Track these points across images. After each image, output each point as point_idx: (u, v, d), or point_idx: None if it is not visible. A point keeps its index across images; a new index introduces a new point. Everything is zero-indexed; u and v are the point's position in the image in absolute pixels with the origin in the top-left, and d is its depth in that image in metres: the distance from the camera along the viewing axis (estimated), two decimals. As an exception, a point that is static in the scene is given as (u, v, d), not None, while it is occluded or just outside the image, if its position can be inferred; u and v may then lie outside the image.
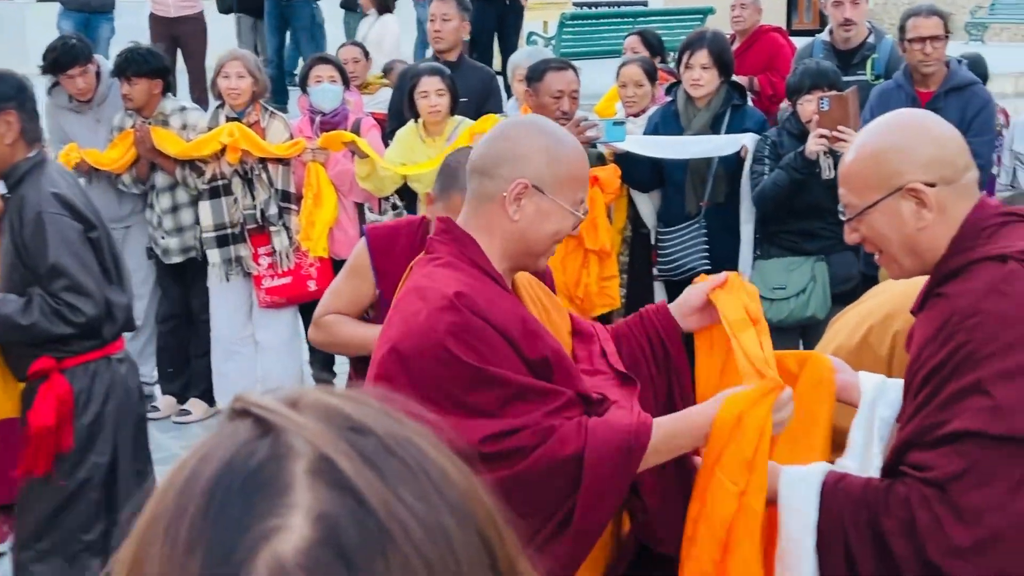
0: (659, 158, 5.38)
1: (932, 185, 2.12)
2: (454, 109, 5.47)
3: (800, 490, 2.14)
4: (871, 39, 5.97)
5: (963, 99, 5.20)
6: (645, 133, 5.48)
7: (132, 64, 5.69)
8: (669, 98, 5.96)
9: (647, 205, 5.64)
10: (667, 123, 5.43)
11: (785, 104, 5.20)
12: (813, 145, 4.66)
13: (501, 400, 2.15)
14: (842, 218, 2.26)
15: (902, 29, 5.27)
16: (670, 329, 2.50)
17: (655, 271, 5.64)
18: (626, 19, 11.91)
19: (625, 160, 5.42)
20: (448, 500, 0.64)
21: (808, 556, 2.10)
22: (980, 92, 5.29)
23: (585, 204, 2.40)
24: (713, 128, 5.36)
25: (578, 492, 2.14)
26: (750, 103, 5.69)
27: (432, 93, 5.33)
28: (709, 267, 5.39)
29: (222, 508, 0.62)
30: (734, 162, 5.31)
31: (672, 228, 5.53)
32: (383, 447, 0.65)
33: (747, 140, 5.22)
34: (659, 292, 5.75)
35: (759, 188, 5.08)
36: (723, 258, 5.17)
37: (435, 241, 2.36)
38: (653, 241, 5.62)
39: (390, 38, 9.04)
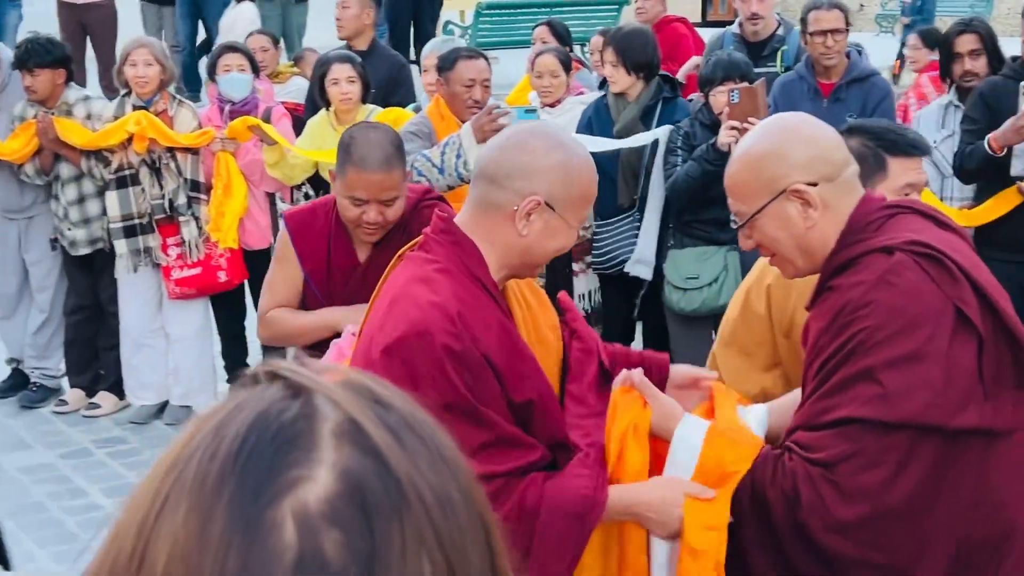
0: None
1: (814, 184, 2.18)
2: (366, 97, 5.46)
3: (690, 438, 2.19)
4: (780, 31, 6.06)
5: (864, 90, 5.30)
6: (580, 127, 5.52)
7: (33, 55, 5.57)
8: (584, 88, 6.00)
9: None
10: (600, 116, 5.47)
11: (697, 95, 5.25)
12: (725, 137, 4.72)
13: (479, 443, 2.10)
14: (734, 226, 2.30)
15: (804, 22, 5.37)
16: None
17: (581, 264, 5.69)
18: (542, 9, 11.91)
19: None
20: (457, 479, 0.68)
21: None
22: (880, 83, 5.40)
23: (588, 219, 2.39)
24: (644, 121, 5.40)
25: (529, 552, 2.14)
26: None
27: (343, 80, 5.32)
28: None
29: (253, 453, 0.65)
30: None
31: (606, 221, 5.56)
32: (404, 421, 0.69)
33: (661, 134, 5.27)
34: (580, 285, 5.79)
35: (672, 179, 5.13)
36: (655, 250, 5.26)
37: (433, 241, 2.29)
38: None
39: (242, 23, 9.04)
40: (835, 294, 2.14)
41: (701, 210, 5.11)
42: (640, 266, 5.41)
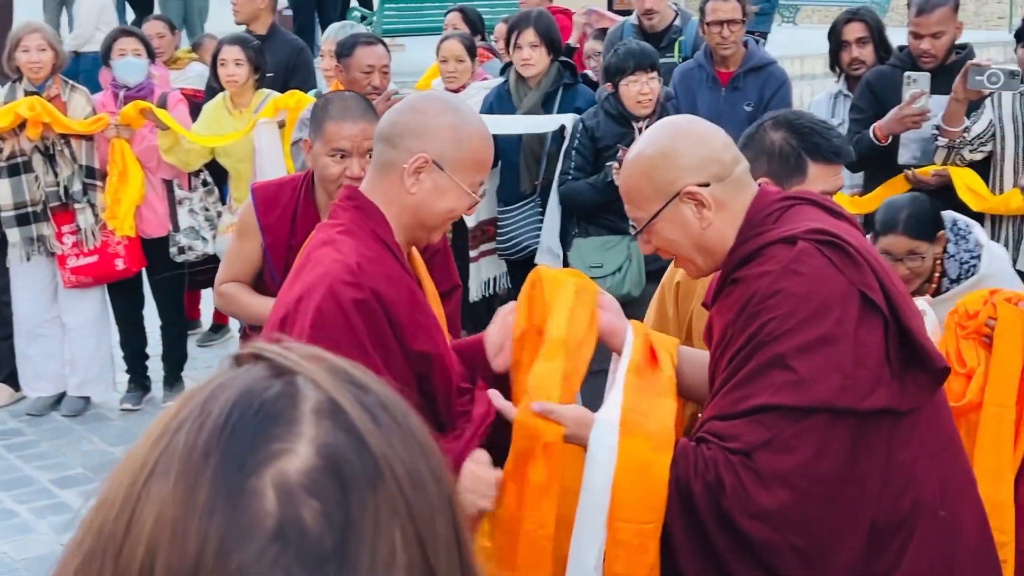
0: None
1: (706, 185, 2.21)
2: (260, 81, 5.43)
3: (605, 439, 2.19)
4: (677, 22, 6.12)
5: (761, 79, 5.38)
6: (480, 113, 5.51)
7: (-80, 44, 5.42)
8: (488, 75, 6.00)
9: None
10: (501, 102, 5.47)
11: (604, 85, 5.27)
12: (614, 171, 4.79)
13: None
14: (632, 232, 2.32)
15: (702, 11, 5.43)
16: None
17: (476, 251, 5.70)
18: (449, -4, 11.87)
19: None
20: (427, 458, 0.72)
21: (602, 508, 2.16)
22: (777, 72, 5.48)
23: (484, 187, 2.43)
24: (545, 107, 5.42)
25: None
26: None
27: (230, 62, 5.31)
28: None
29: (238, 426, 0.69)
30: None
31: (509, 207, 5.58)
32: (380, 403, 0.73)
33: (567, 120, 5.29)
34: (485, 270, 5.81)
35: (566, 187, 5.19)
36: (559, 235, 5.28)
37: (339, 208, 2.38)
38: (471, 224, 5.68)
39: (87, 5, 8.90)
40: (740, 287, 2.17)
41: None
42: (548, 256, 5.45)
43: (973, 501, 2.28)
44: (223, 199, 5.83)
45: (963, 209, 4.71)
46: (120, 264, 5.70)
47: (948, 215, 3.66)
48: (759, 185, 2.63)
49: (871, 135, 4.70)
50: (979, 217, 4.79)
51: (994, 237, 4.76)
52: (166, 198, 5.73)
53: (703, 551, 2.13)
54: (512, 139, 5.47)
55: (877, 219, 3.54)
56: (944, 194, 4.72)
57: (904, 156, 4.75)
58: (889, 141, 4.69)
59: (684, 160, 2.23)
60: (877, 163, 4.81)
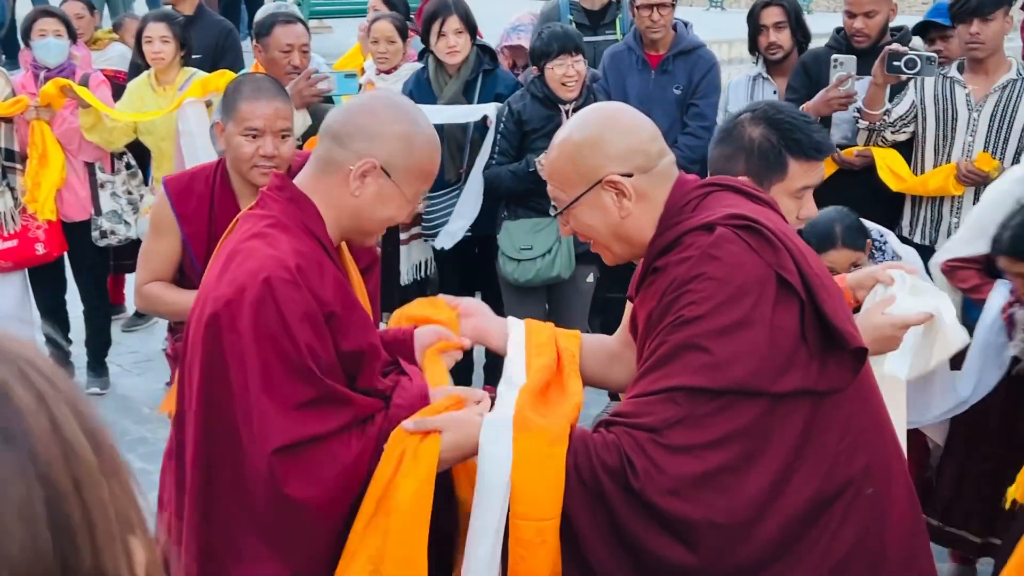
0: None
1: (629, 175, 2.21)
2: (186, 59, 5.36)
3: (500, 437, 2.17)
4: (618, -2, 6.10)
5: (690, 62, 5.40)
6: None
7: None
8: (421, 62, 5.95)
9: None
10: (420, 90, 5.40)
11: (530, 68, 5.24)
12: (537, 164, 4.79)
13: (305, 399, 2.16)
14: (552, 213, 2.32)
15: (632, -6, 5.42)
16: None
17: (406, 234, 5.67)
18: (378, -22, 11.74)
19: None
20: (83, 426, 0.71)
21: (500, 504, 2.14)
22: (706, 55, 5.50)
23: (420, 199, 2.42)
24: (466, 95, 5.37)
25: None
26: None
27: (156, 39, 5.26)
28: (470, 233, 5.46)
29: None
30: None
31: (434, 195, 5.55)
32: (38, 370, 0.72)
33: (490, 110, 5.27)
34: (414, 254, 5.77)
35: (489, 172, 5.17)
36: (483, 222, 5.28)
37: (268, 198, 2.33)
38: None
39: None
40: (661, 275, 2.18)
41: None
42: (446, 238, 5.44)
43: (902, 479, 2.30)
44: (146, 181, 5.73)
45: (884, 189, 4.80)
46: (41, 248, 5.59)
47: (867, 226, 3.72)
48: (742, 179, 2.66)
49: None
50: (900, 198, 4.88)
51: (913, 218, 4.85)
52: (87, 181, 5.63)
53: (613, 538, 2.11)
54: (436, 126, 5.41)
55: (809, 238, 3.55)
56: (863, 176, 4.80)
57: (835, 136, 4.82)
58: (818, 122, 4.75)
59: (610, 149, 2.23)
60: None
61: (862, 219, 3.83)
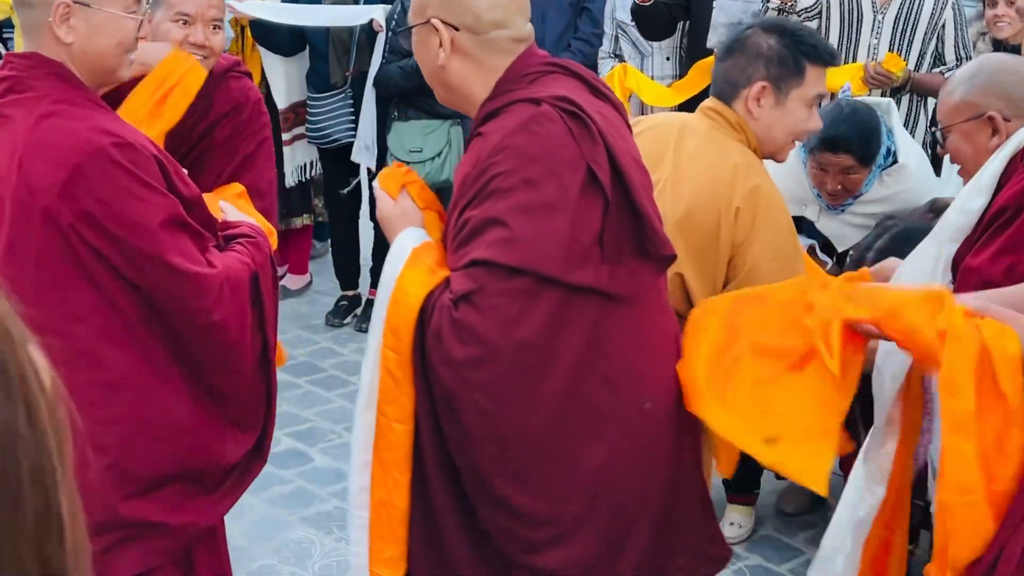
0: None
1: (455, 28, 2.18)
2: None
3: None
4: None
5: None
6: (285, 1, 5.34)
7: None
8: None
9: (280, 77, 5.57)
10: (307, -10, 5.29)
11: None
12: None
13: (169, 216, 2.19)
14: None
15: None
16: None
17: (296, 133, 5.59)
18: None
19: (260, 25, 5.30)
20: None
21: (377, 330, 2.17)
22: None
23: (144, 5, 2.32)
24: (352, -6, 5.27)
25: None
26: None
27: None
28: (354, 137, 5.42)
29: None
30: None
31: (319, 96, 5.48)
32: None
33: (377, 13, 5.17)
34: (297, 155, 5.68)
35: (379, 71, 5.10)
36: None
37: (27, 78, 2.22)
38: (281, 107, 5.55)
39: None
40: (481, 139, 2.15)
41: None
42: (364, 154, 5.38)
43: (677, 397, 2.28)
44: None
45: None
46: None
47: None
48: (760, 87, 2.75)
49: None
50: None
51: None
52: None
53: (426, 393, 2.13)
54: (320, 28, 5.33)
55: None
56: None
57: (712, 40, 4.77)
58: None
59: None
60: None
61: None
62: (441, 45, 2.18)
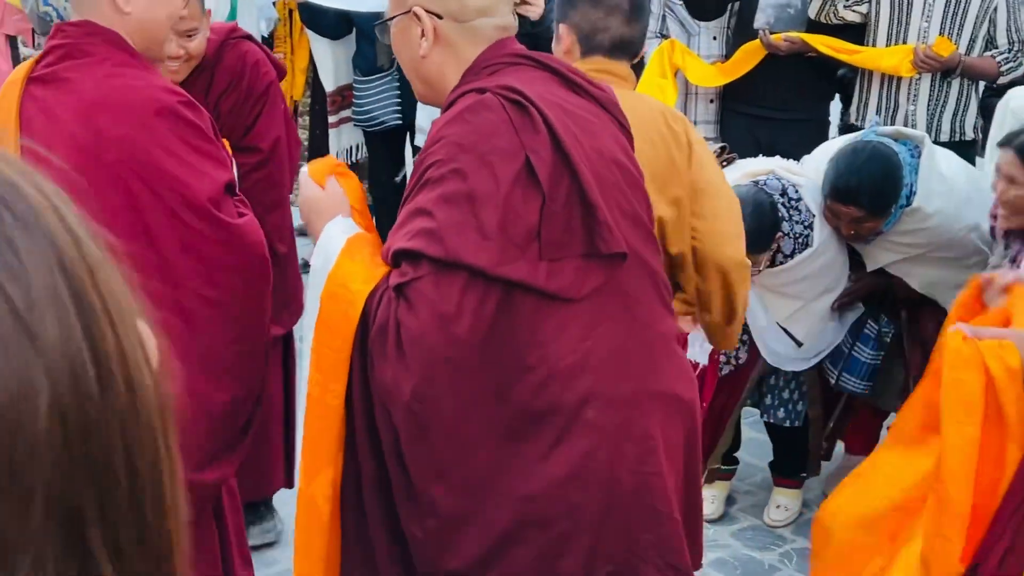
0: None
1: (440, 17, 2.10)
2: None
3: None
4: None
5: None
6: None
7: None
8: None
9: (328, 60, 5.59)
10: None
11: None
12: None
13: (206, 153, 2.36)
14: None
15: None
16: None
17: (342, 116, 5.61)
18: None
19: (307, 8, 5.35)
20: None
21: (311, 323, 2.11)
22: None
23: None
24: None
25: None
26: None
27: None
28: (400, 120, 5.42)
29: None
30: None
31: (365, 79, 5.49)
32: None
33: None
34: (344, 138, 5.71)
35: None
36: (414, 108, 5.17)
37: (85, 44, 2.32)
38: (329, 89, 5.57)
39: None
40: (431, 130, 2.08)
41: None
42: (421, 135, 5.37)
43: (633, 410, 2.12)
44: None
45: (824, 72, 4.77)
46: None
47: (774, 185, 3.56)
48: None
49: None
50: (849, 88, 4.82)
51: (861, 103, 4.72)
52: (9, 55, 5.48)
53: (366, 391, 2.04)
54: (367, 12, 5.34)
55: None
56: (802, 65, 4.74)
57: (759, 20, 4.73)
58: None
59: None
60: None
61: (772, 164, 3.69)
62: (424, 35, 2.10)
